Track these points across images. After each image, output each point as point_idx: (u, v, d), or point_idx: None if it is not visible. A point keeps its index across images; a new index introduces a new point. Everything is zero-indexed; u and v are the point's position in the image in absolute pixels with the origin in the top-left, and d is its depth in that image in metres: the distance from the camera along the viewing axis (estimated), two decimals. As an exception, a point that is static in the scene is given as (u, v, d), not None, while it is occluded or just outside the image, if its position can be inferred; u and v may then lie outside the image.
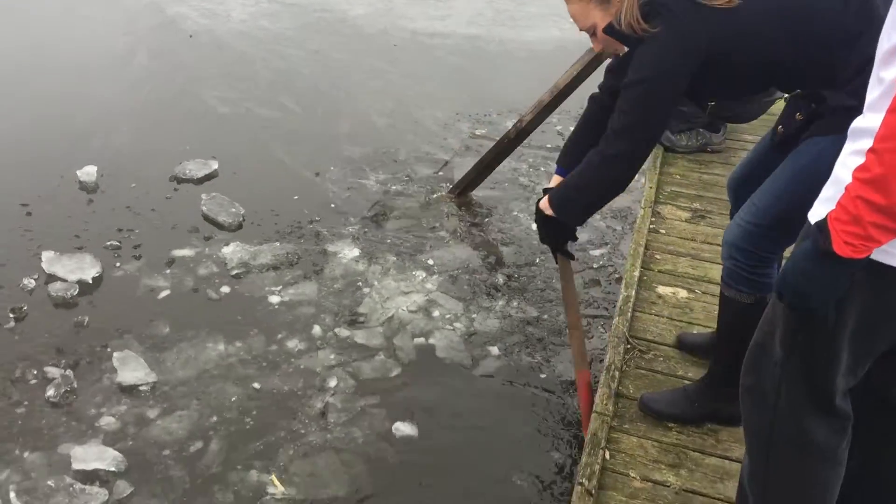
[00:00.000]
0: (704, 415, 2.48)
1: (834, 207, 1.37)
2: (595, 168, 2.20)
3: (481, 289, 3.78)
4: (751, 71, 2.06)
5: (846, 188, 1.34)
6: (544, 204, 2.44)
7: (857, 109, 1.64)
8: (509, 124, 5.66)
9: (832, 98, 1.92)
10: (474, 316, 3.56)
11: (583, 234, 4.00)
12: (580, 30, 2.26)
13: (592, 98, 2.62)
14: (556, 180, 2.65)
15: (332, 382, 3.10)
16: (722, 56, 1.98)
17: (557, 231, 2.49)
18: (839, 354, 1.53)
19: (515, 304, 3.67)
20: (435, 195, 4.69)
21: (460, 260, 4.01)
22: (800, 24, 1.93)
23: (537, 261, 4.00)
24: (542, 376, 3.21)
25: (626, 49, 2.19)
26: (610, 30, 2.09)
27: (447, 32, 7.98)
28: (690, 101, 3.20)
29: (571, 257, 2.66)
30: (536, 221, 2.54)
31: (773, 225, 2.11)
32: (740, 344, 2.37)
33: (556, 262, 2.73)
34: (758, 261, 2.18)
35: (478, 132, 5.66)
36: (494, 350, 3.34)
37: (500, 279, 3.86)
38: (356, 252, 4.01)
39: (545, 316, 3.58)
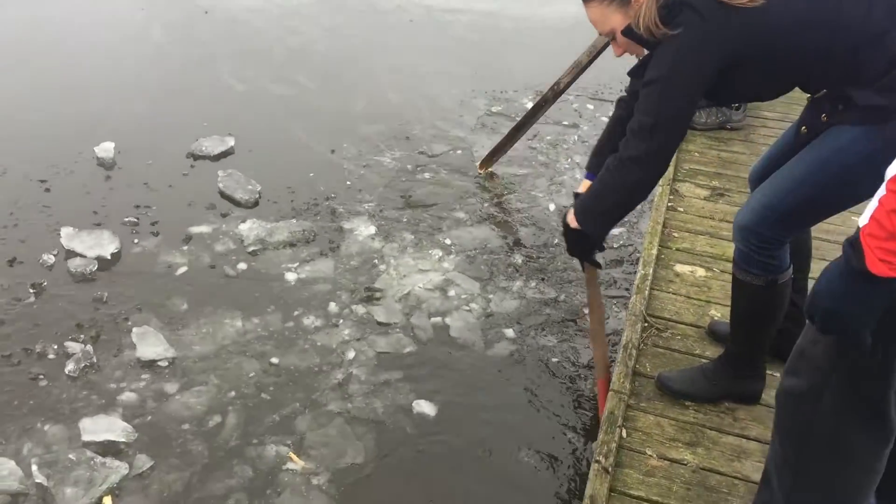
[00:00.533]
0: (721, 393, 2.48)
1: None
2: (612, 173, 2.13)
3: (499, 269, 3.77)
4: (776, 73, 2.00)
5: (879, 201, 1.25)
6: (571, 217, 2.38)
7: (888, 108, 1.57)
8: (526, 101, 5.65)
9: (860, 97, 1.87)
10: (491, 296, 3.55)
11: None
12: (600, 34, 2.21)
13: (619, 102, 2.57)
14: (585, 185, 2.59)
15: (350, 357, 3.12)
16: (747, 58, 1.93)
17: (584, 243, 2.43)
18: (889, 372, 1.48)
19: (533, 284, 3.65)
20: (476, 162, 4.67)
21: (479, 239, 4.00)
22: (827, 25, 1.88)
23: (557, 241, 3.97)
24: (557, 359, 3.20)
25: (645, 52, 2.15)
26: (628, 32, 2.04)
27: (463, 8, 7.91)
28: (713, 103, 3.08)
29: (598, 266, 2.61)
30: (563, 233, 2.48)
31: (788, 211, 2.09)
32: (754, 325, 2.37)
33: (583, 270, 2.67)
34: (769, 244, 2.16)
35: (494, 109, 5.62)
36: (510, 332, 3.33)
37: (519, 259, 3.85)
38: (372, 229, 4.01)
39: (562, 297, 3.57)
